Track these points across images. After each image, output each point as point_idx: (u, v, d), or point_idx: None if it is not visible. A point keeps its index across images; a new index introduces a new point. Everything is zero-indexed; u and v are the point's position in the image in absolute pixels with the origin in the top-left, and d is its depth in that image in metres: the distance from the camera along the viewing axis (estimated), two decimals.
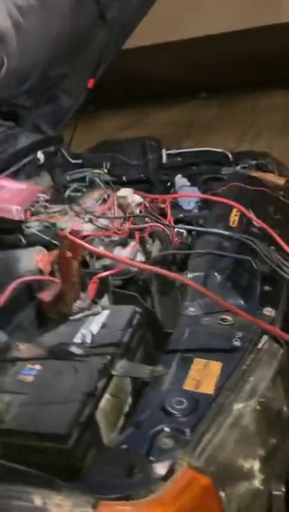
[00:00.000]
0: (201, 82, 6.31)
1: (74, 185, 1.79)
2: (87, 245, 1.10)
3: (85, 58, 2.55)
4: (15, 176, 2.27)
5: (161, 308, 1.39)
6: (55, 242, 1.49)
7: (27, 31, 1.90)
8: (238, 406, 0.95)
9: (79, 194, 1.77)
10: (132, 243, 1.56)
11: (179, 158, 2.50)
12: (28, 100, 2.67)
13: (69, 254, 1.11)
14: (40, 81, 2.40)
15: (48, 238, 1.51)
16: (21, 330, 1.19)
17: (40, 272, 1.39)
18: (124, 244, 1.56)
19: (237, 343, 1.08)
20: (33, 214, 1.59)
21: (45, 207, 1.64)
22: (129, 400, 1.08)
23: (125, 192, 1.67)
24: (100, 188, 1.77)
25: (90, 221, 1.57)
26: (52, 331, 1.16)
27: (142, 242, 1.53)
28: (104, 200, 1.70)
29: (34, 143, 2.58)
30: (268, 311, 1.21)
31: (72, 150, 2.75)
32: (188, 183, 2.01)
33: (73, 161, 2.63)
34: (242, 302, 1.24)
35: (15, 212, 1.52)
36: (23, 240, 1.53)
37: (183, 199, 1.84)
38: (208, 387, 0.97)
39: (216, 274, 1.27)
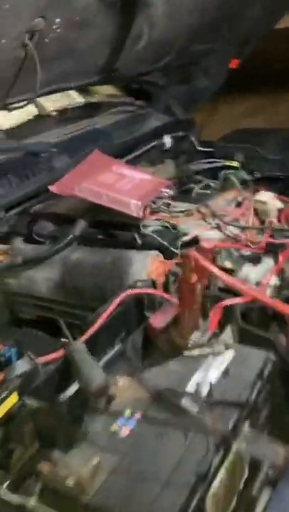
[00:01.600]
0: None
1: (204, 181, 1.52)
2: (217, 271, 0.84)
3: (232, 34, 2.24)
4: (137, 160, 2.09)
5: None
6: (173, 248, 1.26)
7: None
8: None
9: (209, 192, 1.51)
10: (267, 261, 1.27)
11: None
12: (163, 78, 2.44)
13: (194, 278, 0.86)
14: (178, 57, 2.15)
15: (165, 243, 1.27)
16: (123, 359, 0.97)
17: (153, 283, 1.16)
18: (256, 260, 1.28)
19: None
20: (153, 211, 1.36)
21: (168, 204, 1.41)
22: (246, 473, 0.83)
23: (265, 196, 1.38)
24: (234, 187, 1.49)
25: (219, 228, 1.30)
26: (159, 366, 0.93)
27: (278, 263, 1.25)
28: (239, 204, 1.42)
29: (163, 126, 2.37)
30: None
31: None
32: None
33: (202, 149, 2.40)
34: None
35: (133, 207, 1.31)
36: (139, 240, 1.31)
37: None
38: None
39: None
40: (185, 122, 2.46)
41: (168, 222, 1.32)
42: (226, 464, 0.77)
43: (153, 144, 2.16)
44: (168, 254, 1.27)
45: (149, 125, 2.31)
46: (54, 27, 1.25)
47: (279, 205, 1.48)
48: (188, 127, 2.45)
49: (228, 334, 1.04)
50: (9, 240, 1.53)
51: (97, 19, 1.35)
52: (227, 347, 0.95)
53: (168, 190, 1.40)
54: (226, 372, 0.89)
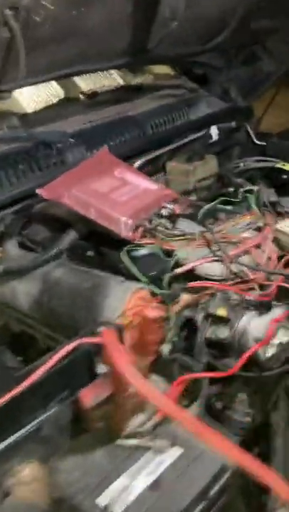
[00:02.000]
0: None
1: (217, 200, 1.24)
2: (124, 366, 0.61)
3: None
4: (176, 153, 1.83)
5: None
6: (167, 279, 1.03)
7: None
8: None
9: (230, 209, 1.23)
10: (278, 311, 1.01)
11: None
12: (220, 59, 2.13)
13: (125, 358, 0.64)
14: (235, 36, 1.83)
15: (153, 273, 1.04)
16: (44, 436, 0.77)
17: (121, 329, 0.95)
18: (265, 309, 1.01)
19: None
20: (147, 231, 1.13)
21: (172, 223, 1.16)
22: None
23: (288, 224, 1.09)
24: (252, 210, 1.20)
25: (222, 261, 1.05)
26: (83, 454, 0.73)
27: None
28: (260, 230, 1.14)
29: (214, 114, 2.08)
30: None
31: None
32: None
33: (258, 143, 2.09)
34: None
35: (122, 225, 1.09)
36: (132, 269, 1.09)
37: None
38: None
39: None
40: (242, 110, 2.15)
41: (161, 248, 1.09)
42: None
43: (196, 135, 1.90)
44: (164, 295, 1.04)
45: (197, 112, 2.03)
46: (43, 3, 1.04)
47: None
48: (245, 116, 2.14)
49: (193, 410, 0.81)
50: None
51: None
52: (174, 443, 0.72)
53: (170, 206, 1.15)
54: (155, 485, 0.67)
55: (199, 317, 0.98)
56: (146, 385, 0.60)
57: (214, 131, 1.97)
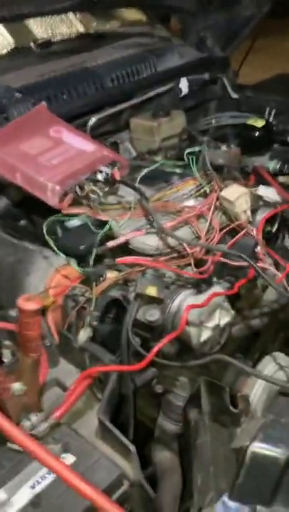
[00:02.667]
0: None
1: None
2: None
3: None
4: (141, 109, 1.68)
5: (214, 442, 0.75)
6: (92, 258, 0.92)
7: None
8: None
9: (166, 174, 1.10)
10: (217, 288, 0.90)
11: None
12: (195, 3, 1.93)
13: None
14: None
15: (82, 247, 0.93)
16: None
17: (43, 310, 0.85)
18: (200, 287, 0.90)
19: None
20: (78, 200, 1.00)
21: (110, 188, 1.03)
22: None
23: (235, 192, 0.96)
24: (200, 172, 1.06)
25: (157, 233, 0.93)
26: None
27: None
28: (206, 195, 1.01)
29: (186, 65, 1.90)
30: None
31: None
32: None
33: (235, 97, 1.94)
34: None
35: (49, 192, 0.96)
36: (59, 233, 0.98)
37: None
38: None
39: None
40: (218, 61, 1.97)
41: (93, 218, 0.97)
42: None
43: (162, 89, 1.73)
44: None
45: (166, 64, 1.86)
46: None
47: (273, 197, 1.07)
48: (221, 68, 1.97)
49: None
50: None
51: None
52: (66, 449, 0.63)
53: (107, 169, 1.02)
54: (36, 502, 0.58)
55: (130, 297, 0.88)
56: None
57: (184, 83, 1.80)
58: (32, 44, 1.60)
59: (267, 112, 1.69)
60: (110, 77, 1.63)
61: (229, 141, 1.51)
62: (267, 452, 0.58)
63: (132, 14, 2.05)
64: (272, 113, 1.71)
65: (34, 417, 0.65)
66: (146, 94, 1.67)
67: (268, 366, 0.93)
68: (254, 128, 1.59)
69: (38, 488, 0.59)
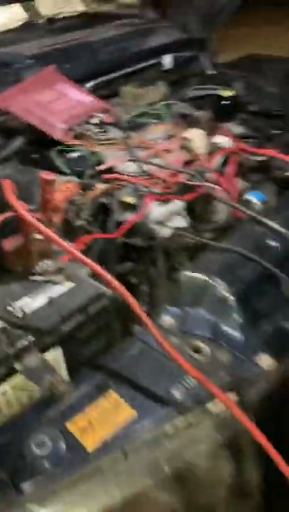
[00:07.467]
0: None
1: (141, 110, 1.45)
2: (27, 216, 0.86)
3: None
4: (130, 80, 2.01)
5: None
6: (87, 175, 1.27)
7: None
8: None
9: (145, 121, 1.45)
10: (177, 203, 1.25)
11: None
12: None
13: (23, 207, 0.89)
14: None
15: (79, 169, 1.28)
16: None
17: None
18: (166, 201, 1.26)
19: (176, 393, 0.79)
20: (78, 136, 1.35)
21: (103, 130, 1.38)
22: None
23: (193, 133, 1.32)
24: (169, 121, 1.42)
25: (135, 161, 1.28)
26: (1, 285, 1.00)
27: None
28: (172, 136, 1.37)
29: (170, 43, 2.24)
30: (266, 361, 0.86)
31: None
32: None
33: (209, 73, 2.26)
34: (237, 335, 0.90)
35: (57, 130, 1.31)
36: (58, 163, 1.33)
37: None
38: (94, 439, 0.73)
39: (220, 281, 0.93)
40: (198, 41, 2.30)
41: (88, 149, 1.32)
42: (15, 381, 0.85)
43: (149, 63, 2.07)
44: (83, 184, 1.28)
45: (152, 42, 2.19)
46: None
47: (227, 143, 1.42)
48: (201, 47, 2.30)
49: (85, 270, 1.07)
50: None
51: None
52: (69, 279, 0.99)
53: (102, 115, 1.37)
54: (50, 302, 0.94)
55: (113, 203, 1.23)
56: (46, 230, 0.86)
57: (167, 60, 2.13)
58: (41, 20, 1.93)
59: (236, 85, 2.03)
60: (105, 51, 1.97)
61: (204, 109, 1.85)
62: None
63: None
64: (240, 86, 2.04)
65: (47, 261, 1.00)
66: (135, 66, 2.01)
67: None
68: (223, 97, 1.92)
69: (52, 296, 0.94)
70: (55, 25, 1.98)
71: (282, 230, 1.02)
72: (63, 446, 0.71)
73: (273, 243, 1.02)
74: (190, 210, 1.30)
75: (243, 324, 0.91)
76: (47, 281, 0.99)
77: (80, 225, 1.13)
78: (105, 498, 0.68)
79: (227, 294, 0.92)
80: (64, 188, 1.26)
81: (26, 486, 0.67)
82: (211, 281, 0.93)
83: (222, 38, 2.47)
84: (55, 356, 0.90)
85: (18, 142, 1.45)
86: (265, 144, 1.63)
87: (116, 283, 0.88)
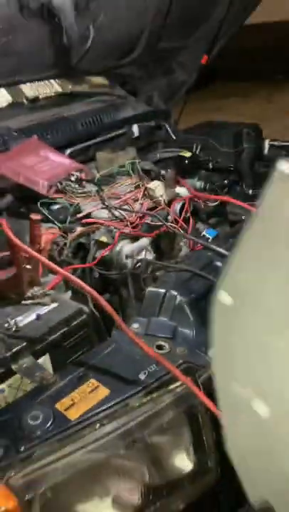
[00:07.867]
0: None
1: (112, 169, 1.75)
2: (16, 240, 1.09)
3: (201, 34, 2.42)
4: (103, 146, 2.32)
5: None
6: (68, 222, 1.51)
7: (115, 5, 1.87)
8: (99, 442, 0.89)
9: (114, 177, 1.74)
10: (144, 240, 1.50)
11: (284, 152, 2.29)
12: (140, 71, 2.65)
13: (16, 242, 1.12)
14: (148, 53, 2.36)
15: (61, 217, 1.53)
16: None
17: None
18: (135, 239, 1.50)
19: (142, 377, 0.99)
20: (59, 191, 1.62)
21: (80, 185, 1.65)
22: None
23: (154, 184, 1.59)
24: (136, 175, 1.71)
25: (107, 208, 1.54)
26: None
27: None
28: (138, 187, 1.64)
29: (136, 115, 2.59)
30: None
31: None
32: None
33: (173, 137, 2.59)
34: (192, 334, 1.12)
35: (40, 186, 1.57)
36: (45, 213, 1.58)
37: None
38: (77, 413, 0.92)
39: (175, 294, 1.16)
40: (161, 112, 2.66)
41: (67, 201, 1.58)
42: (11, 381, 1.04)
43: (119, 132, 2.39)
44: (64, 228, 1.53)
45: (122, 114, 2.53)
46: None
47: (183, 192, 1.69)
48: (164, 118, 2.65)
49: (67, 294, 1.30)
50: None
51: (26, 26, 1.61)
52: (54, 301, 1.20)
53: (77, 173, 1.65)
54: (38, 318, 1.15)
55: (90, 243, 1.47)
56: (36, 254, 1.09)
57: (135, 128, 2.46)
58: (24, 100, 2.26)
59: (194, 147, 2.36)
60: (81, 123, 2.29)
61: (167, 168, 2.15)
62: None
63: (98, 80, 2.76)
64: (198, 148, 2.37)
65: (36, 288, 1.21)
66: (107, 135, 2.33)
67: None
68: (183, 157, 2.23)
69: (41, 312, 1.15)
70: (36, 103, 2.31)
71: (227, 253, 1.26)
72: (51, 418, 0.90)
73: (219, 263, 1.25)
74: (156, 246, 1.55)
75: (196, 326, 1.12)
76: (36, 304, 1.20)
77: (62, 260, 1.36)
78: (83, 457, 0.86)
79: (182, 304, 1.14)
80: (49, 232, 1.50)
81: None
82: (169, 293, 1.16)
83: (192, 111, 2.84)
84: (43, 361, 1.10)
85: (7, 199, 1.70)
86: (221, 193, 1.92)
87: (97, 296, 1.09)
